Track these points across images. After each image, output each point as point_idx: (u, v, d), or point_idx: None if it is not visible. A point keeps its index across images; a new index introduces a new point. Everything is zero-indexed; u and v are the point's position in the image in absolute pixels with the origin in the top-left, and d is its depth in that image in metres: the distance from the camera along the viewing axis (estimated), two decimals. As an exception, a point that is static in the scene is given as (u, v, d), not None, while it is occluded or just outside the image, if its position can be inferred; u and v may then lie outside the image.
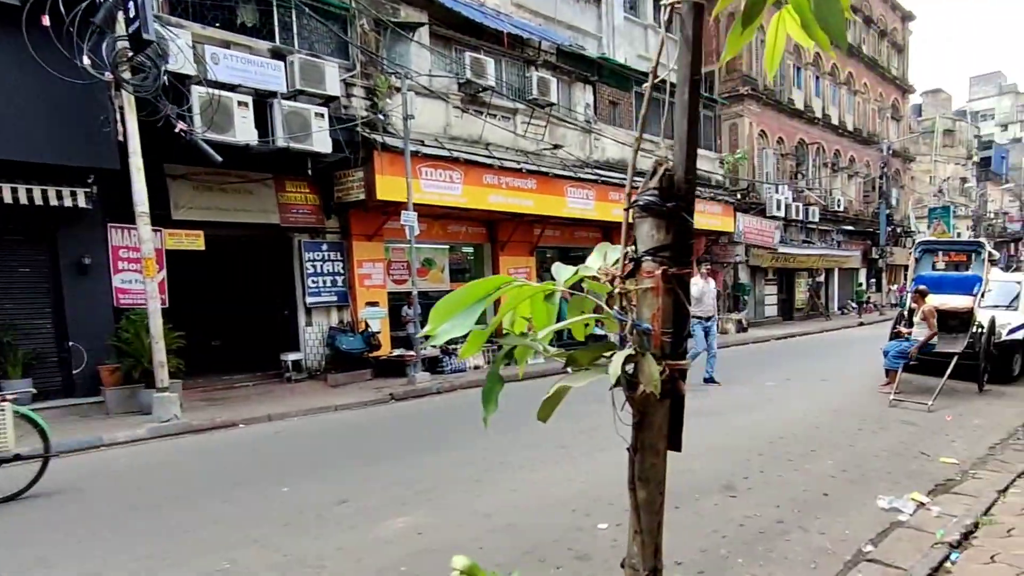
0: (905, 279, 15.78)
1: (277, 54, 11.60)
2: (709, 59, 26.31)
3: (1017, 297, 11.75)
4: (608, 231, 19.47)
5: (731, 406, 9.21)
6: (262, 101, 11.18)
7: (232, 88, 10.67)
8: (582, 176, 16.41)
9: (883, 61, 37.36)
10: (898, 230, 39.16)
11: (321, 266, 13.50)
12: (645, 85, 1.97)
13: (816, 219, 29.42)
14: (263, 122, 11.14)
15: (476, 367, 14.82)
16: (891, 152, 34.53)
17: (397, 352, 14.21)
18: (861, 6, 34.68)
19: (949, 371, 9.28)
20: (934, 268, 11.83)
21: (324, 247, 13.56)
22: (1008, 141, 68.98)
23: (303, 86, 11.51)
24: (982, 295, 10.24)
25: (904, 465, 6.22)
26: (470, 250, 17.20)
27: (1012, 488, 4.96)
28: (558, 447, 7.17)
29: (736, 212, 22.71)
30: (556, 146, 16.29)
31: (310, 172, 12.15)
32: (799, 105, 29.56)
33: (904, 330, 10.03)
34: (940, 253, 11.54)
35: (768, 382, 11.36)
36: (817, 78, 31.29)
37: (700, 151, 21.31)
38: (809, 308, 30.26)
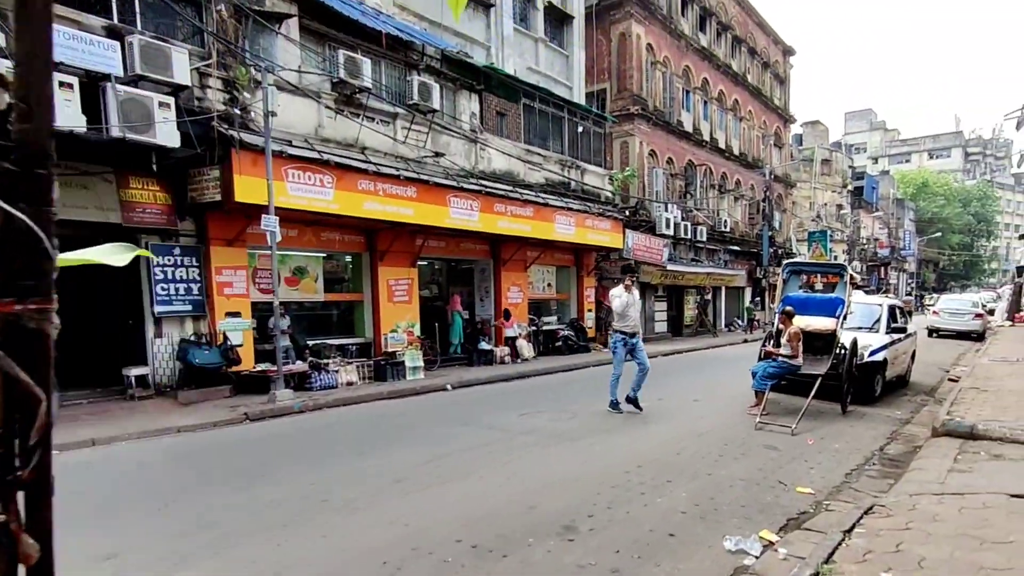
0: (773, 300, 16.21)
1: (113, 33, 10.46)
2: (601, 76, 26.68)
3: (878, 320, 12.08)
4: (496, 243, 19.08)
5: (595, 429, 8.80)
6: (96, 85, 10.03)
7: (55, 66, 9.46)
8: (465, 186, 15.89)
9: (767, 91, 39.21)
10: (780, 251, 40.97)
11: (173, 272, 12.28)
12: None
13: (704, 238, 30.18)
14: (97, 108, 9.99)
15: (349, 383, 13.92)
16: (773, 177, 36.11)
17: (261, 367, 13.15)
18: (746, 37, 36.30)
19: (813, 392, 9.32)
20: (812, 288, 11.90)
21: (176, 251, 12.36)
22: (878, 173, 74.31)
23: (146, 71, 10.42)
24: (844, 317, 10.40)
25: (760, 496, 5.93)
26: (348, 259, 16.30)
27: (857, 528, 4.68)
28: (394, 481, 6.48)
29: (625, 229, 22.83)
30: (438, 154, 15.71)
31: (155, 168, 11.02)
32: (688, 127, 30.37)
33: (772, 350, 10.03)
34: (814, 275, 11.63)
35: (642, 403, 11.00)
36: (705, 102, 32.32)
37: (589, 167, 21.38)
38: (697, 325, 30.96)
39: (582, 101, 22.93)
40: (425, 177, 14.85)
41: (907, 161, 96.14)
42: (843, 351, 10.12)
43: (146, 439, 9.25)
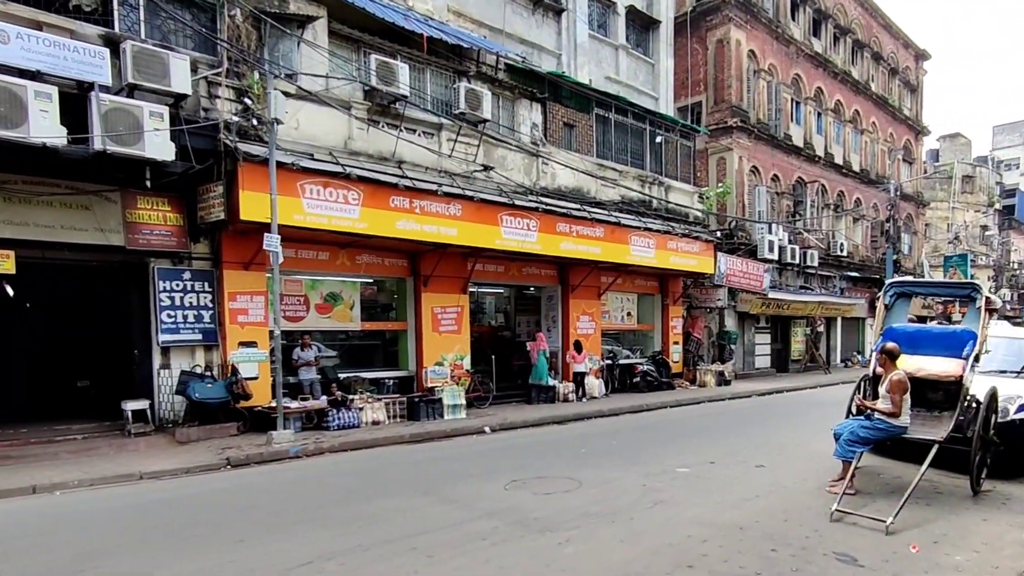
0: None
1: (110, 41, 9.60)
2: (697, 88, 24.36)
3: None
4: (564, 267, 17.23)
5: (586, 513, 6.47)
6: (84, 96, 9.16)
7: (33, 76, 8.64)
8: (520, 203, 14.17)
9: (894, 100, 35.11)
10: (909, 278, 36.36)
11: (182, 298, 11.30)
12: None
13: (815, 263, 26.88)
14: (84, 121, 9.10)
15: (375, 422, 12.45)
16: (899, 194, 31.95)
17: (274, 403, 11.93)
18: (870, 41, 32.61)
19: (926, 465, 6.66)
20: (948, 319, 9.09)
21: (187, 276, 11.37)
22: (1033, 190, 65.86)
23: (140, 80, 9.49)
24: (976, 357, 7.50)
25: None
26: (390, 285, 14.95)
27: None
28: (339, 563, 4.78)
29: (717, 251, 20.29)
30: (486, 168, 14.10)
31: (148, 184, 10.03)
32: (797, 141, 27.26)
33: (866, 403, 7.38)
34: (927, 298, 8.94)
35: (681, 467, 8.59)
36: (819, 114, 29.06)
37: (675, 183, 19.17)
38: (807, 360, 27.55)
39: (670, 112, 20.70)
40: (471, 193, 13.27)
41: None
42: (974, 405, 7.44)
43: (99, 487, 8.14)
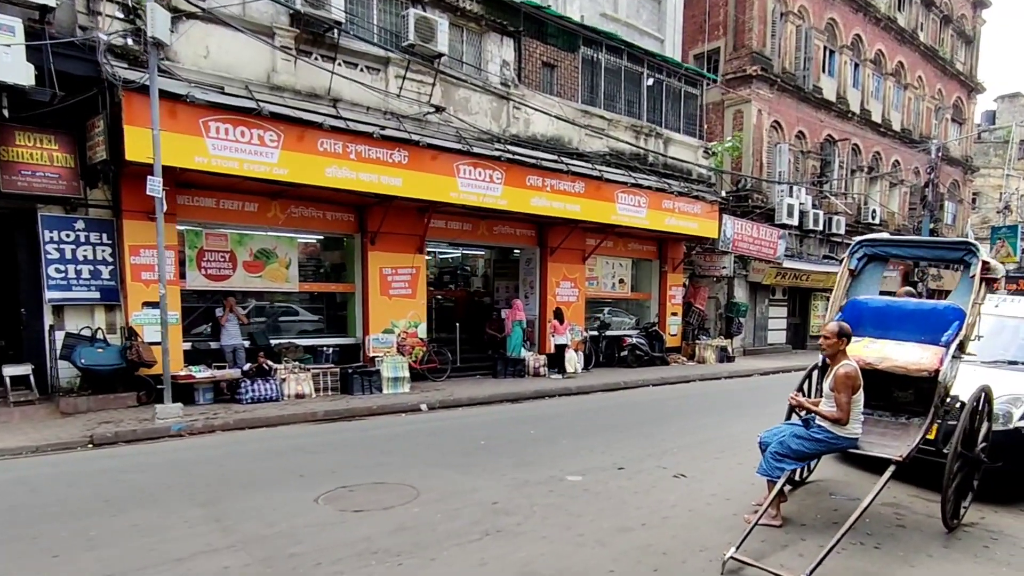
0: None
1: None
2: (715, 33, 22.09)
3: None
4: (543, 228, 15.52)
5: (378, 547, 4.73)
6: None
7: None
8: (480, 151, 12.45)
9: (946, 52, 31.91)
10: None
11: (74, 251, 9.96)
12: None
13: (842, 231, 24.56)
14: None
15: (300, 396, 11.09)
16: (943, 156, 29.13)
17: (197, 371, 10.65)
18: (921, -15, 29.50)
19: (871, 497, 4.74)
20: (914, 288, 7.07)
21: (80, 225, 10.00)
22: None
23: (-13, -13, 7.99)
24: (962, 344, 5.59)
25: None
26: (338, 242, 13.45)
27: None
28: None
29: (723, 214, 18.28)
30: (438, 109, 12.36)
31: (6, 114, 8.60)
32: (828, 95, 24.72)
33: (804, 402, 5.30)
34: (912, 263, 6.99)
35: (576, 473, 6.75)
36: (856, 65, 26.36)
37: (676, 136, 17.16)
38: (828, 336, 25.39)
39: (677, 57, 18.53)
40: (416, 138, 11.59)
41: None
42: (953, 408, 5.60)
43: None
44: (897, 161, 29.06)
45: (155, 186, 8.75)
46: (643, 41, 17.41)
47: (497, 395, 12.17)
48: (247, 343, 11.80)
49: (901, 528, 5.37)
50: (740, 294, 21.43)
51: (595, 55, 15.68)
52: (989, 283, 5.76)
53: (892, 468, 4.91)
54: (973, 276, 5.69)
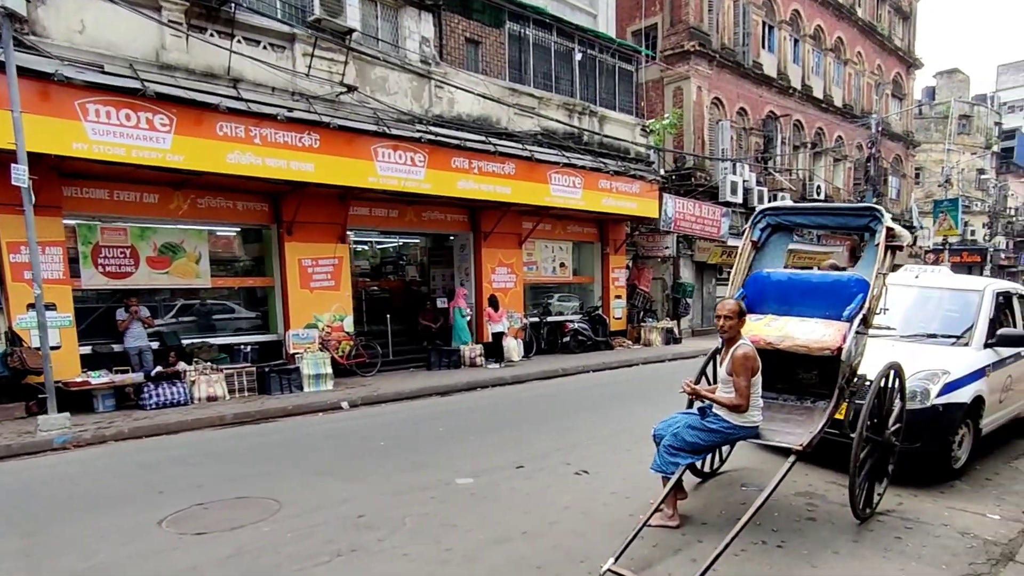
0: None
1: None
2: (652, 8, 21.67)
3: (972, 324, 6.53)
4: (475, 212, 14.95)
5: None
6: None
7: None
8: (398, 133, 11.79)
9: (883, 28, 32.11)
10: (901, 224, 33.95)
11: (-56, 250, 9.07)
12: None
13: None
14: None
15: (212, 399, 10.35)
16: (884, 131, 29.33)
17: (95, 377, 9.83)
18: (857, -39, 29.53)
19: (768, 492, 4.21)
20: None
21: (-51, 221, 9.11)
22: (1035, 131, 62.64)
23: None
24: (866, 318, 5.02)
25: None
26: (254, 234, 12.67)
27: None
28: None
29: (664, 193, 17.91)
30: (349, 88, 11.64)
31: None
32: (769, 71, 24.56)
33: (699, 390, 4.75)
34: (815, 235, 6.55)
35: (467, 476, 6.11)
36: (796, 41, 26.26)
37: (612, 114, 16.65)
38: (777, 314, 25.35)
39: (612, 32, 18.05)
40: (328, 120, 10.88)
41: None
42: (860, 388, 5.11)
43: None
44: (840, 137, 29.15)
45: (20, 175, 7.92)
46: (575, 16, 16.88)
47: (427, 388, 11.58)
48: (155, 344, 11.01)
49: (811, 522, 4.89)
50: (686, 274, 21.16)
51: (522, 31, 15.10)
52: (894, 251, 5.30)
53: (793, 459, 4.43)
54: (878, 244, 5.18)
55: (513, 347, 14.92)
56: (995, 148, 48.51)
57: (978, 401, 6.02)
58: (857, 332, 4.88)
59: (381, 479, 6.14)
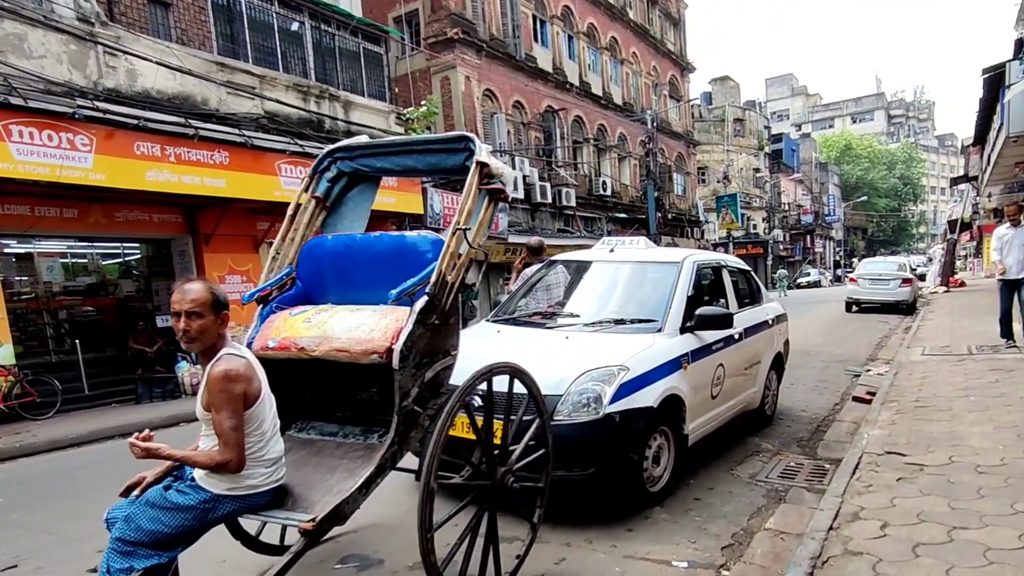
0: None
1: None
2: (413, -6, 20.18)
3: (668, 304, 5.04)
4: (192, 211, 12.43)
5: None
6: None
7: None
8: (40, 107, 9.12)
9: (656, 31, 33.28)
10: (685, 219, 35.34)
11: None
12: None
13: (573, 203, 24.05)
14: None
15: None
16: (659, 128, 30.16)
17: None
18: (626, -35, 30.24)
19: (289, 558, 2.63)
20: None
21: None
22: (799, 136, 69.74)
23: None
24: (431, 303, 3.16)
25: None
26: None
27: None
28: None
29: (427, 188, 16.37)
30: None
31: None
32: (544, 65, 24.04)
33: (173, 453, 2.63)
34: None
35: None
36: (570, 37, 26.10)
37: (359, 100, 14.80)
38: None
39: (361, 14, 16.26)
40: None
41: (831, 127, 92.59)
42: (403, 409, 3.09)
43: None
44: (623, 134, 29.52)
45: None
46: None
47: (108, 429, 8.92)
48: None
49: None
50: (471, 276, 19.69)
51: (233, -2, 12.86)
52: (495, 200, 3.55)
53: (301, 543, 2.68)
54: (470, 185, 3.40)
55: (250, 369, 12.51)
56: (767, 150, 52.86)
57: (673, 401, 4.57)
58: (428, 323, 3.16)
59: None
